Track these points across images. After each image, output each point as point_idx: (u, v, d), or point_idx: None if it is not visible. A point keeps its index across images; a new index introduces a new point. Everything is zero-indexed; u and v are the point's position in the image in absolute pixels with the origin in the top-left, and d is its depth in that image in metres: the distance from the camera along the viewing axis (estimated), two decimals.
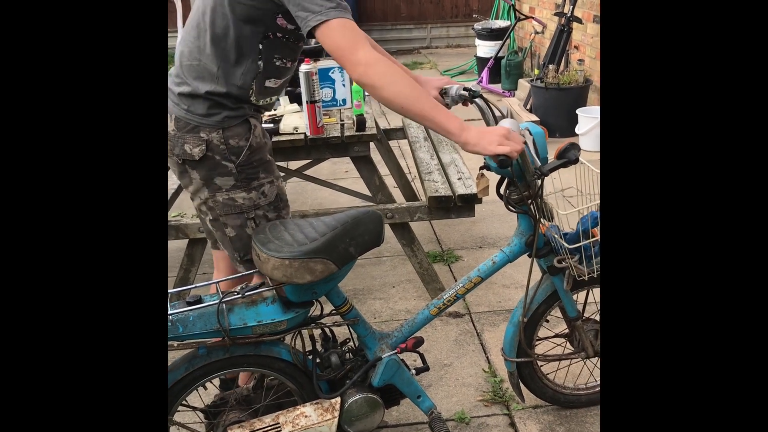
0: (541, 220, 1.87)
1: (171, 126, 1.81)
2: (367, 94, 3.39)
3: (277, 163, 1.99)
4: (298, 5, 1.63)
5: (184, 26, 1.85)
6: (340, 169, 4.66)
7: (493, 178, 1.86)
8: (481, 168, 1.86)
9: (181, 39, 1.85)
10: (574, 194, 1.96)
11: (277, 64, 1.82)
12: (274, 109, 3.03)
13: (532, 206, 1.84)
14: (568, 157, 1.74)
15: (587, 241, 1.88)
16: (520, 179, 1.80)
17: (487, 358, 2.60)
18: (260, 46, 1.76)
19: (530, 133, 1.77)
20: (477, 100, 1.87)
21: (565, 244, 1.87)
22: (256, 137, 1.83)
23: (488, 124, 1.80)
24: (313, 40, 1.88)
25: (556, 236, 1.90)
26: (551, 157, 1.80)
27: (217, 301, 1.67)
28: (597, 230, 1.89)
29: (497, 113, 1.89)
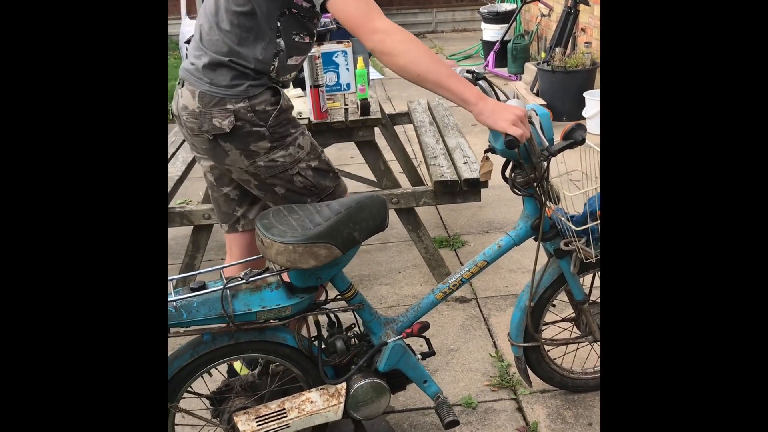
0: (548, 203, 1.85)
1: (195, 104, 1.81)
2: (372, 78, 3.37)
3: None
4: None
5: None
6: (346, 155, 4.63)
7: (497, 161, 1.84)
8: (486, 151, 1.84)
9: (201, 13, 1.86)
10: (579, 178, 1.94)
11: (296, 40, 1.82)
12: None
13: (538, 189, 1.82)
14: (575, 137, 1.71)
15: (594, 223, 1.86)
16: (526, 161, 1.78)
17: (494, 342, 2.59)
18: (278, 23, 1.76)
19: (536, 114, 1.74)
20: (480, 82, 1.86)
21: (572, 227, 1.85)
22: (285, 99, 1.86)
23: None
24: (322, 21, 1.87)
25: (562, 219, 1.88)
26: (557, 138, 1.78)
27: (221, 287, 1.66)
28: None
29: (502, 96, 1.87)
